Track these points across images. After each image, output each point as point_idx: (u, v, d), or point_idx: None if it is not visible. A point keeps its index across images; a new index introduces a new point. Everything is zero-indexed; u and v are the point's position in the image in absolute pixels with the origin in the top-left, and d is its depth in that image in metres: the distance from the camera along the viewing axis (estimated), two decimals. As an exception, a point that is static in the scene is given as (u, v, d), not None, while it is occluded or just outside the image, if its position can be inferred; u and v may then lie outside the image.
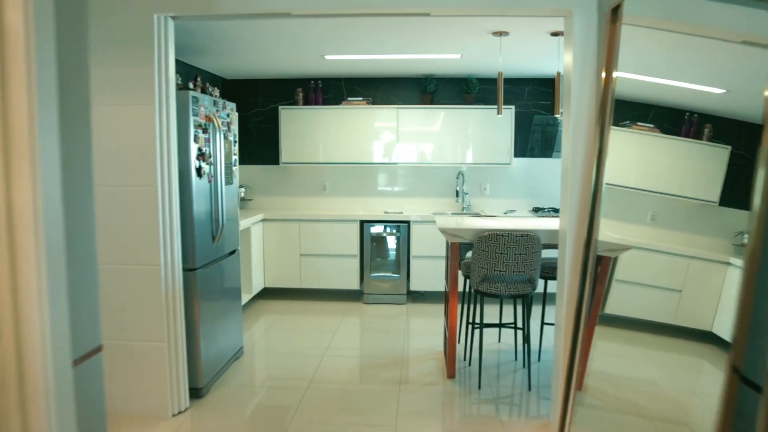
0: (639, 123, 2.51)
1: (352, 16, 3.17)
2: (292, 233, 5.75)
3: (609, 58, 2.61)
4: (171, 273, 3.12)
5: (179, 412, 3.23)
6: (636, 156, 2.61)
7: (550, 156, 6.13)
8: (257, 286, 5.55)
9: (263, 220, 5.69)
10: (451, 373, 3.87)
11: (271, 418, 3.27)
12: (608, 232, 2.67)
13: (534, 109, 6.10)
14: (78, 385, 1.58)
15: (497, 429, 3.15)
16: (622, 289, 2.78)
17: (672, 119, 2.34)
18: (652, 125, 2.45)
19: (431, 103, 6.05)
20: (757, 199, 1.54)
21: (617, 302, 2.77)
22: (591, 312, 2.82)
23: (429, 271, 5.71)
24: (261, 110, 6.21)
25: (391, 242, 5.78)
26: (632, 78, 2.63)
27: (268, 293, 5.91)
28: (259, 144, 6.22)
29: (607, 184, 2.56)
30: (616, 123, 2.57)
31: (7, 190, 1.42)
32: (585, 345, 2.87)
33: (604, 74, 2.65)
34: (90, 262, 1.68)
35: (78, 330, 1.60)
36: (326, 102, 6.08)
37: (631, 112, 2.54)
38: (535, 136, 6.13)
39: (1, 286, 1.44)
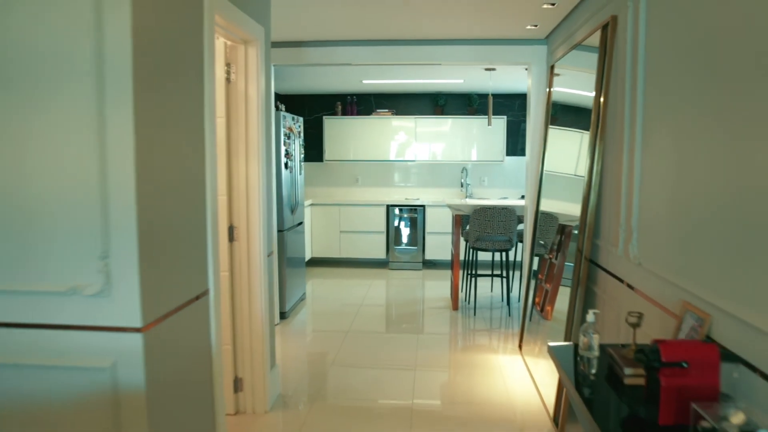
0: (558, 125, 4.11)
1: (389, 64, 4.83)
2: (333, 215, 7.43)
3: (550, 84, 4.25)
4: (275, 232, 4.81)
5: (276, 324, 4.92)
6: (558, 147, 4.20)
7: (535, 155, 7.76)
8: (306, 256, 7.23)
9: (311, 205, 7.38)
10: (455, 307, 5.53)
11: (333, 328, 4.95)
12: (546, 206, 4.29)
13: (522, 118, 7.72)
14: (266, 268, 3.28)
15: (486, 336, 4.80)
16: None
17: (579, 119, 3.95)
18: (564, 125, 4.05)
19: (442, 114, 7.71)
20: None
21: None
22: (557, 269, 4.42)
23: (440, 245, 7.37)
24: (308, 119, 7.90)
25: (410, 222, 7.45)
26: (561, 91, 4.25)
27: (313, 262, 7.60)
28: (307, 146, 7.90)
29: (546, 171, 4.19)
30: (553, 124, 4.17)
31: (246, 170, 3.10)
32: (554, 290, 4.47)
33: (547, 91, 4.28)
34: (271, 204, 3.37)
35: (269, 238, 3.29)
36: (359, 113, 7.77)
37: (564, 116, 4.13)
38: (523, 140, 7.76)
39: (242, 212, 3.12)
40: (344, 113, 7.77)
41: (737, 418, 1.33)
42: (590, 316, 2.05)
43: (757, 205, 1.54)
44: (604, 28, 2.88)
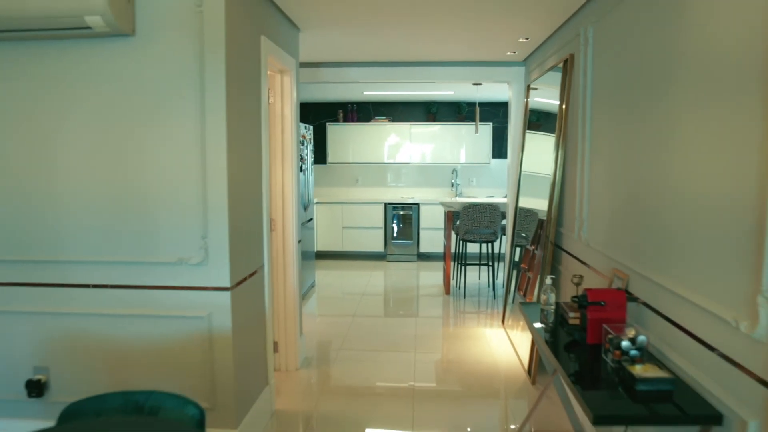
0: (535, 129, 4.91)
1: (391, 82, 5.61)
2: (336, 212, 8.20)
3: (527, 95, 5.05)
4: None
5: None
6: (534, 150, 5.01)
7: (518, 157, 8.57)
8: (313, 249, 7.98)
9: (317, 203, 8.14)
10: (447, 291, 6.32)
11: (342, 309, 5.72)
12: (523, 203, 5.08)
13: (506, 124, 8.51)
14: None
15: (474, 315, 5.60)
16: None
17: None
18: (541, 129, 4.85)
19: (434, 120, 8.51)
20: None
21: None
22: (538, 259, 5.22)
23: (432, 239, 8.16)
24: (312, 125, 8.64)
25: (406, 219, 8.23)
26: (537, 101, 5.06)
27: (319, 255, 8.35)
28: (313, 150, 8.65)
29: (524, 171, 4.99)
30: (529, 128, 4.97)
31: (282, 174, 3.87)
32: (535, 277, 5.26)
33: (525, 101, 5.08)
34: (298, 201, 4.14)
35: (298, 228, 4.06)
36: (359, 120, 8.54)
37: (538, 121, 4.94)
38: (507, 144, 8.56)
39: (278, 207, 3.89)
40: (345, 120, 8.54)
41: (630, 332, 2.12)
42: (548, 280, 2.85)
43: (645, 199, 2.34)
44: (565, 62, 3.68)
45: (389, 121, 8.43)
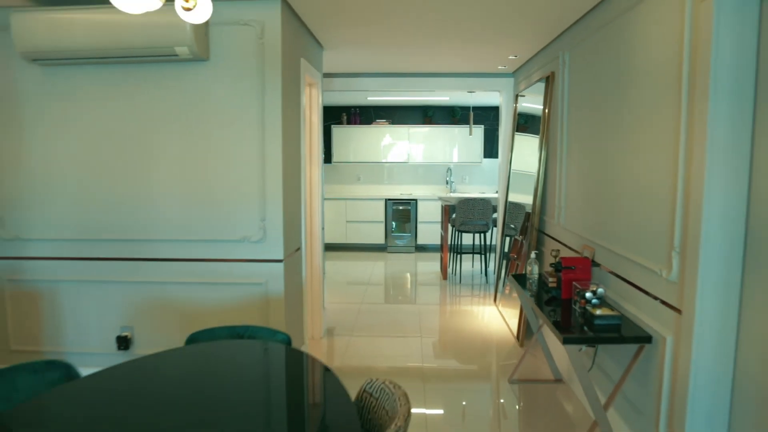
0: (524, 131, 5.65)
1: (395, 90, 6.34)
2: (340, 208, 8.91)
3: (515, 101, 5.79)
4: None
5: (308, 288, 6.38)
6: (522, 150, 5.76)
7: (508, 157, 9.33)
8: (320, 241, 8.68)
9: (323, 199, 8.83)
10: (444, 277, 7.06)
11: (353, 290, 6.44)
12: (513, 197, 5.82)
13: (497, 127, 9.29)
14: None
15: (469, 296, 6.35)
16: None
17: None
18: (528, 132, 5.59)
19: (430, 123, 9.24)
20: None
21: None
22: (525, 247, 5.96)
23: (429, 232, 8.90)
24: (317, 127, 9.34)
25: (405, 213, 8.96)
26: (526, 106, 5.80)
27: (325, 247, 9.03)
28: (316, 150, 9.36)
29: (513, 170, 5.73)
30: (518, 131, 5.72)
31: (311, 171, 4.58)
32: (523, 264, 6.01)
33: (513, 106, 5.82)
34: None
35: (322, 217, 4.77)
36: (362, 122, 9.26)
37: (526, 124, 5.68)
38: (498, 145, 9.32)
39: (308, 200, 4.60)
40: (349, 122, 9.25)
41: (593, 287, 2.86)
42: (532, 255, 3.60)
43: (607, 188, 3.09)
44: (548, 78, 4.42)
45: (389, 123, 9.15)
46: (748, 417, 2.05)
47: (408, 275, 7.40)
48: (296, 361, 2.26)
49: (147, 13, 3.00)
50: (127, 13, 3.02)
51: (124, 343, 3.51)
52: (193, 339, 2.45)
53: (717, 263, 2.08)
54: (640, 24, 2.67)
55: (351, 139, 9.15)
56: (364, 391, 1.91)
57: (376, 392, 1.86)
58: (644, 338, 2.46)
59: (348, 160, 9.22)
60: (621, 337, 2.50)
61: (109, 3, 3.09)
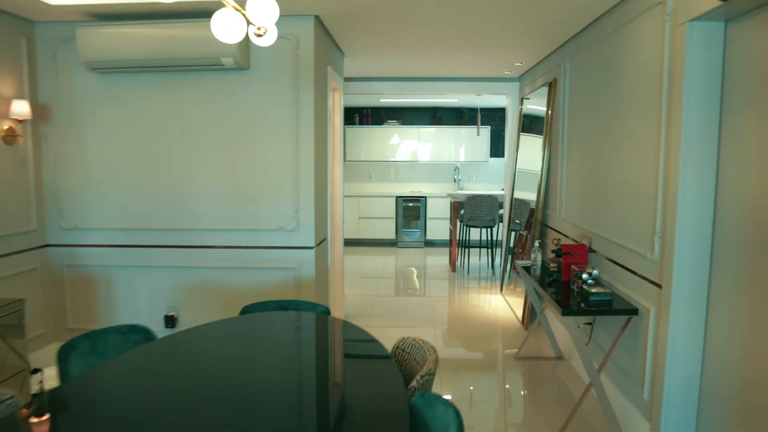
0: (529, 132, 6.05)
1: (407, 94, 6.75)
2: (353, 204, 9.32)
3: (521, 102, 6.19)
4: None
5: (325, 279, 6.81)
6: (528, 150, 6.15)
7: (513, 156, 9.72)
8: (333, 236, 9.10)
9: (344, 196, 9.24)
10: (453, 269, 7.47)
11: (368, 282, 6.85)
12: (518, 194, 6.22)
13: (502, 127, 9.68)
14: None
15: (476, 287, 6.76)
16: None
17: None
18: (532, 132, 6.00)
19: (439, 124, 9.65)
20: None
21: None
22: (531, 240, 6.36)
23: (438, 228, 9.31)
24: (330, 127, 9.77)
25: (415, 210, 9.37)
26: (530, 107, 6.19)
27: (337, 242, 9.46)
28: (329, 149, 9.78)
29: (519, 168, 6.12)
30: (522, 131, 6.11)
31: (334, 169, 5.00)
32: (527, 257, 6.40)
33: (519, 108, 6.22)
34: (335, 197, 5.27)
35: (343, 211, 5.18)
36: (373, 123, 9.67)
37: (530, 125, 6.08)
38: (503, 145, 9.72)
39: (331, 195, 5.02)
40: (361, 123, 9.67)
41: (589, 269, 3.27)
42: (536, 244, 4.00)
43: (603, 183, 3.49)
44: (551, 83, 4.82)
45: (399, 124, 9.57)
46: (716, 375, 2.46)
47: (419, 267, 7.81)
48: (339, 325, 2.69)
49: (198, 28, 3.43)
50: (180, 28, 3.46)
51: (171, 321, 3.94)
52: (245, 310, 2.87)
53: (690, 244, 2.49)
54: (630, 41, 3.08)
55: (363, 138, 9.57)
56: (398, 347, 2.33)
57: (408, 348, 2.28)
58: (632, 310, 2.87)
59: (360, 158, 9.64)
60: (612, 310, 2.91)
61: (164, 18, 3.53)
